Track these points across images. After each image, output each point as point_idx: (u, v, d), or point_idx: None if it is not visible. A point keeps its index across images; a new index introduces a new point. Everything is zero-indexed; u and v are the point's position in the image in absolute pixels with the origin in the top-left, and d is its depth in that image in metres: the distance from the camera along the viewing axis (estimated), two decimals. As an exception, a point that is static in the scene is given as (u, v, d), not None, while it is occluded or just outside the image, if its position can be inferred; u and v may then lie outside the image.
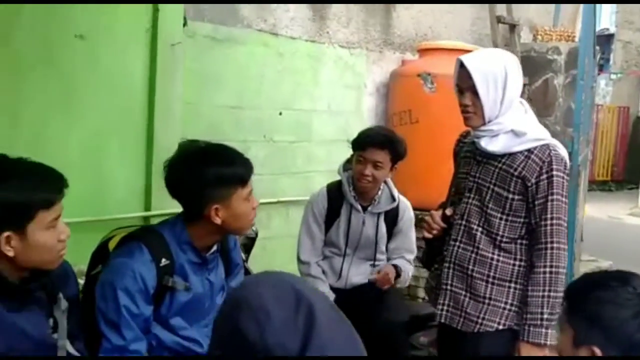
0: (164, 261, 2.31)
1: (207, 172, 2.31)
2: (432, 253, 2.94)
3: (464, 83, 2.64)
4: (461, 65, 2.64)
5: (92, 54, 3.69)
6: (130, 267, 2.25)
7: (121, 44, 3.84)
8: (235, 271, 2.68)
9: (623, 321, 1.66)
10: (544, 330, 2.57)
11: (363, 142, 3.52)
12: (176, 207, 3.86)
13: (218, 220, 2.33)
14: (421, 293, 5.45)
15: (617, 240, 9.36)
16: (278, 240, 4.74)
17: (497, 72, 2.59)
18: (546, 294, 2.59)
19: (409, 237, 3.75)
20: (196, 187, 2.31)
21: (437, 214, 2.87)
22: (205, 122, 4.41)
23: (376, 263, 3.73)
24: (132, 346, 2.24)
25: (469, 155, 2.81)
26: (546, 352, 2.61)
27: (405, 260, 3.73)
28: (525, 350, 2.61)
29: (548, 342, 2.58)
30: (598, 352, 1.68)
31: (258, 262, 3.53)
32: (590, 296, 1.72)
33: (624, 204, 13.34)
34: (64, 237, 1.96)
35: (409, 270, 3.71)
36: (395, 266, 3.63)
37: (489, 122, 2.64)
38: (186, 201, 2.39)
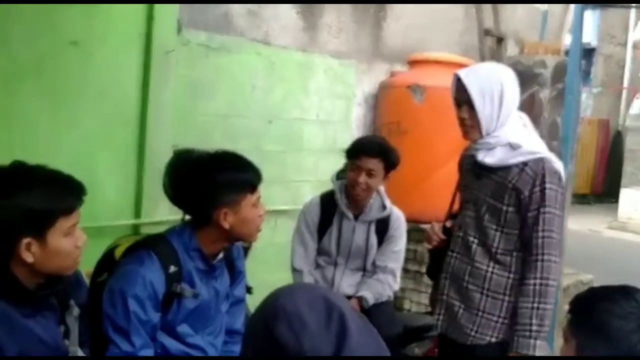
0: (172, 268, 2.33)
1: (219, 177, 2.35)
2: (436, 264, 2.97)
3: (461, 97, 2.68)
4: (458, 80, 2.68)
5: (86, 60, 3.68)
6: (140, 274, 2.27)
7: (115, 50, 3.83)
8: (238, 279, 2.70)
9: (626, 333, 1.73)
10: (532, 341, 2.60)
11: (357, 151, 3.55)
12: (166, 215, 3.90)
13: (226, 225, 2.35)
14: (407, 305, 5.47)
15: (597, 254, 9.45)
16: (265, 249, 4.72)
17: (493, 86, 2.63)
18: (535, 305, 2.61)
19: (397, 245, 3.74)
20: (207, 191, 2.33)
21: (437, 225, 2.92)
22: (196, 130, 4.40)
23: (366, 274, 3.74)
24: (140, 353, 2.25)
25: (469, 167, 2.85)
26: None
27: (383, 275, 3.70)
28: None
29: (536, 353, 2.60)
30: None
31: (246, 270, 3.54)
32: (595, 308, 1.78)
33: (603, 217, 13.48)
34: (81, 243, 1.98)
35: (381, 291, 3.67)
36: (359, 299, 3.60)
37: (487, 135, 2.68)
38: (195, 206, 2.41)
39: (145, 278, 2.27)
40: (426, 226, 2.99)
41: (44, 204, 1.86)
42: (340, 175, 3.71)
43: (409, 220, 4.04)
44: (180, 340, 2.42)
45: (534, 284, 2.62)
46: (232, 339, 2.69)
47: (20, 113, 3.46)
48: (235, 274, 2.67)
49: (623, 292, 1.81)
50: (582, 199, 15.21)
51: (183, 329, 2.43)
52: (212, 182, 2.34)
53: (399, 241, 3.75)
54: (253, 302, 3.57)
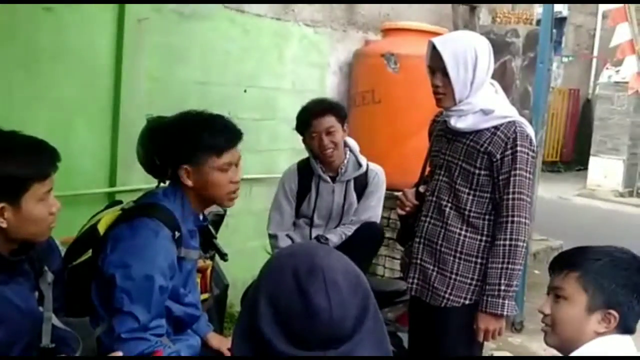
0: (176, 234, 2.37)
1: (184, 134, 2.40)
2: (406, 230, 3.02)
3: (435, 64, 2.73)
4: (433, 47, 2.72)
5: (59, 26, 3.63)
6: (159, 245, 2.29)
7: (88, 17, 3.78)
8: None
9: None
10: (500, 300, 2.68)
11: (307, 117, 3.59)
12: (141, 183, 3.89)
13: (189, 183, 2.39)
14: (380, 271, 5.54)
15: (566, 220, 9.61)
16: (240, 217, 4.75)
17: (467, 54, 2.67)
18: (504, 265, 2.68)
19: (373, 199, 3.78)
20: (169, 147, 2.42)
21: (410, 192, 2.97)
22: (170, 97, 4.36)
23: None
24: (153, 323, 2.28)
25: (440, 133, 2.90)
26: (502, 323, 2.74)
27: (353, 224, 3.73)
28: (483, 320, 2.73)
29: (505, 313, 2.69)
30: (615, 314, 1.79)
31: (220, 238, 3.55)
32: (607, 263, 1.82)
33: (573, 184, 13.68)
34: (55, 209, 1.99)
35: (347, 232, 3.70)
36: (320, 238, 3.64)
37: (460, 102, 2.72)
38: (161, 161, 2.46)
39: (164, 248, 2.30)
40: (399, 193, 3.03)
41: (18, 169, 1.87)
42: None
43: (383, 188, 4.08)
44: (180, 302, 2.47)
45: (504, 245, 2.69)
46: None
47: (-7, 79, 3.42)
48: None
49: (616, 249, 1.87)
50: (551, 167, 15.42)
51: (182, 291, 2.49)
52: (174, 138, 2.39)
53: (375, 194, 3.79)
54: (228, 269, 3.60)
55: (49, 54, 3.63)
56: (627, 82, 12.57)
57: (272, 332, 1.24)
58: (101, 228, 2.40)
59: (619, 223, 10.13)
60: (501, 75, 5.81)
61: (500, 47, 5.90)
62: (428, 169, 3.02)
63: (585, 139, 14.77)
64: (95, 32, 3.84)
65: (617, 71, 13.21)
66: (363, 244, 3.60)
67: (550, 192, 11.53)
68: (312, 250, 1.34)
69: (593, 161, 13.58)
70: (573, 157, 16.36)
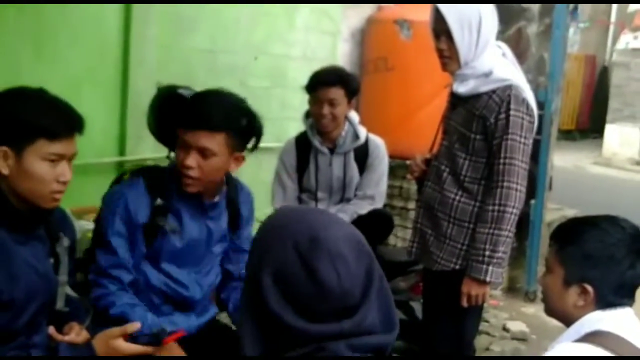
0: (159, 201, 2.35)
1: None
2: None
3: (439, 27, 2.69)
4: (436, 10, 2.69)
5: (66, -5, 3.59)
6: (123, 196, 2.33)
7: (96, -15, 3.73)
8: (242, 225, 2.66)
9: (617, 260, 1.77)
10: (484, 266, 2.64)
11: (314, 83, 3.57)
12: (150, 152, 3.86)
13: None
14: (392, 240, 5.52)
15: (582, 189, 9.52)
16: (250, 185, 4.68)
17: (470, 15, 2.63)
18: (491, 231, 2.64)
19: (376, 172, 3.76)
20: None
21: (420, 157, 2.96)
22: (180, 66, 4.33)
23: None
24: (113, 271, 2.32)
25: (449, 99, 2.88)
26: (486, 289, 2.69)
27: (359, 200, 3.72)
28: (466, 284, 2.70)
29: (488, 279, 2.64)
30: (589, 288, 1.79)
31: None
32: (585, 237, 1.82)
33: (588, 153, 13.55)
34: (63, 179, 1.91)
35: (357, 210, 3.68)
36: None
37: (465, 65, 2.69)
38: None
39: (128, 200, 2.32)
40: (410, 161, 3.02)
41: (28, 117, 1.83)
42: (309, 114, 3.71)
43: (395, 157, 4.04)
44: (164, 273, 2.43)
45: (492, 210, 2.64)
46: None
47: (1, 49, 3.37)
48: (239, 218, 2.63)
49: (608, 219, 1.85)
50: (567, 135, 15.27)
51: (168, 265, 2.43)
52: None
53: (378, 168, 3.78)
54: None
55: (56, 24, 3.58)
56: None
57: (281, 308, 1.22)
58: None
59: (635, 192, 10.03)
60: (516, 42, 5.70)
61: (515, 13, 5.79)
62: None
63: (601, 107, 14.61)
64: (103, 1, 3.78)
65: (635, 37, 13.01)
66: (373, 233, 3.57)
67: (565, 160, 11.43)
68: (308, 218, 1.30)
69: (609, 129, 13.43)
70: (589, 125, 16.20)
